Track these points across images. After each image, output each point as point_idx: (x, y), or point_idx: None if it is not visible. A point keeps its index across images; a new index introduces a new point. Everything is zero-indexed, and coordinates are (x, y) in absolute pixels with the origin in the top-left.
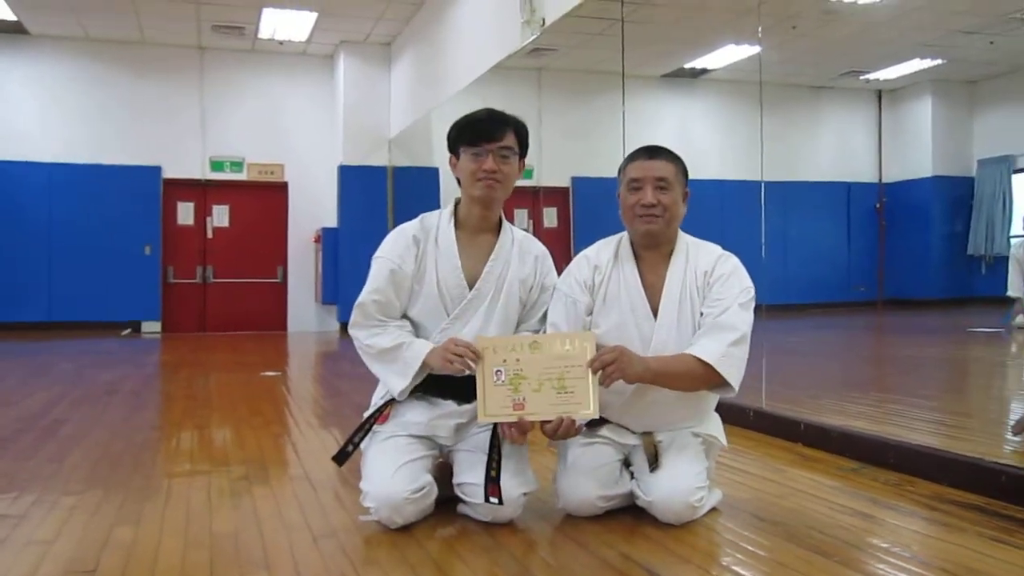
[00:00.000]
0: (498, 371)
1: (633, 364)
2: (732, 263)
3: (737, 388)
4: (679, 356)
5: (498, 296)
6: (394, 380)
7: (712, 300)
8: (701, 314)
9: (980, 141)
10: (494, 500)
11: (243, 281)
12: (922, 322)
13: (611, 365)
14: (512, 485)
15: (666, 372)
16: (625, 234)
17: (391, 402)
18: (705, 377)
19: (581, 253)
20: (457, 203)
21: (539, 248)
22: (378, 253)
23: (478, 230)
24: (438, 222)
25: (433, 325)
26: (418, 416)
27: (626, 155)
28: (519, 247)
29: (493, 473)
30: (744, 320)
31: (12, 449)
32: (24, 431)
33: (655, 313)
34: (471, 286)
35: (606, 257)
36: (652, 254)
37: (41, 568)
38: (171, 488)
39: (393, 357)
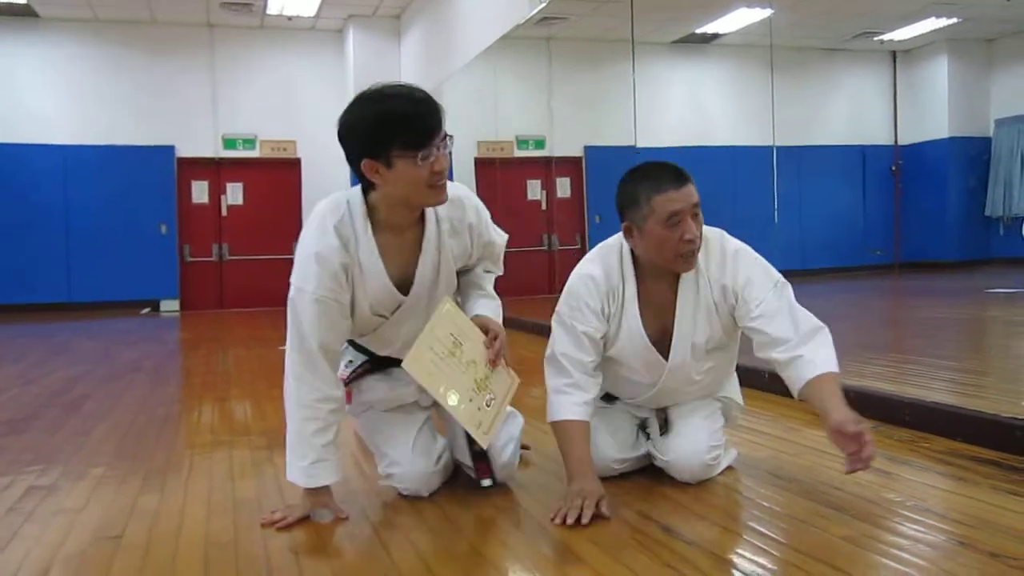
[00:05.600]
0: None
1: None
2: (742, 258)
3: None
4: (828, 385)
5: (435, 289)
6: (293, 465)
7: (753, 311)
8: (733, 320)
9: (997, 101)
10: (486, 482)
11: (258, 258)
12: (939, 284)
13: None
14: (498, 449)
15: (838, 395)
16: (625, 246)
17: (351, 381)
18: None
19: (583, 272)
20: (364, 198)
21: (471, 213)
22: (299, 284)
23: (403, 228)
24: (354, 234)
25: (366, 328)
26: (379, 393)
27: (637, 181)
28: (449, 226)
29: (476, 447)
30: (803, 311)
31: (38, 424)
32: (48, 407)
33: (663, 344)
34: (403, 289)
35: (616, 280)
36: (659, 272)
37: (71, 535)
38: (194, 459)
39: (304, 450)
